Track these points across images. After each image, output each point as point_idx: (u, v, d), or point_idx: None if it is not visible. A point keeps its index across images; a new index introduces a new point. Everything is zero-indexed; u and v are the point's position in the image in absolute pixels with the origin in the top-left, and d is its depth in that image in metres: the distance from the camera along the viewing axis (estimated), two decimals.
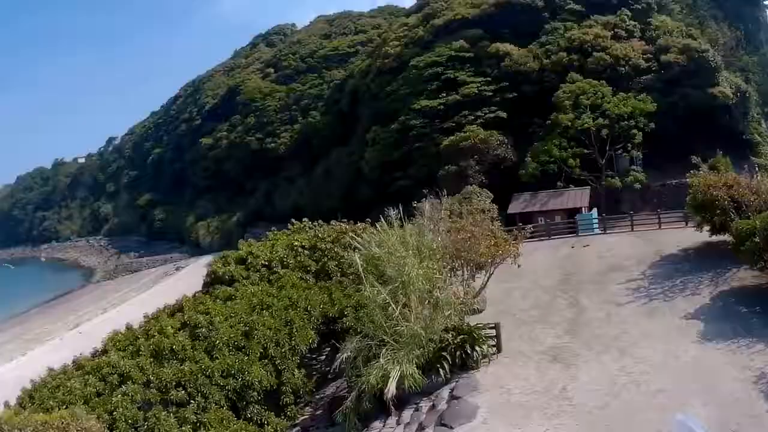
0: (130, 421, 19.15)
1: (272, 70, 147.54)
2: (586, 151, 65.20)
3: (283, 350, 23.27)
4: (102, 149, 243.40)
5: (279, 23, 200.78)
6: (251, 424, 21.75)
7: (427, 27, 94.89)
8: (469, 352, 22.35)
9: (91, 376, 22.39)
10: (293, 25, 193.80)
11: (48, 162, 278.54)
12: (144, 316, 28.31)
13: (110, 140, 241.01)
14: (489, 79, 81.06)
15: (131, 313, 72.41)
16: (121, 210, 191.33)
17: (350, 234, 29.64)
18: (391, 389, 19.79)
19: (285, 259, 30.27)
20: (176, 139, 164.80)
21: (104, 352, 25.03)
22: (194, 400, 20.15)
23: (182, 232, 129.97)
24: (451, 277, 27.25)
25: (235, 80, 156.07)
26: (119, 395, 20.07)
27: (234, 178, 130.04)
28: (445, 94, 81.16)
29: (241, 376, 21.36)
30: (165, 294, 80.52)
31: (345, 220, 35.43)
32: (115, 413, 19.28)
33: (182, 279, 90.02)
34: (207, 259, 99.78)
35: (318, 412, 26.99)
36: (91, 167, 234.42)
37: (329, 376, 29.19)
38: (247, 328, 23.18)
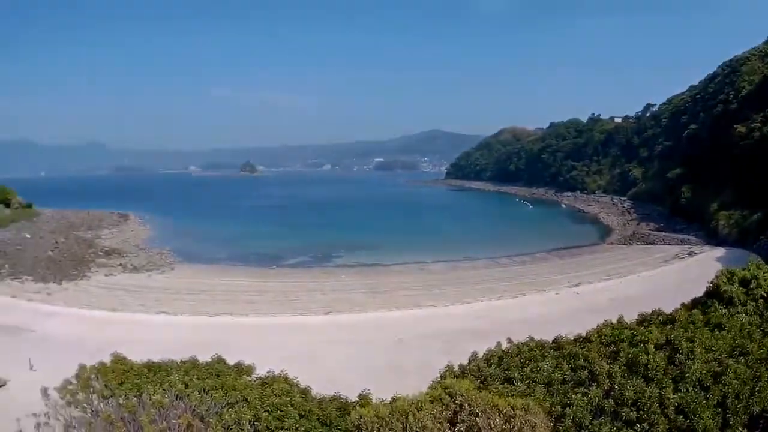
0: (577, 421, 19.54)
1: None
2: None
3: (738, 405, 21.82)
4: (639, 114, 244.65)
5: None
6: None
7: None
8: None
9: (564, 362, 23.05)
10: None
11: (582, 116, 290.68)
12: (637, 316, 28.15)
13: (648, 107, 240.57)
14: None
15: (631, 289, 71.87)
16: (649, 177, 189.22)
17: None
18: None
19: None
20: (711, 119, 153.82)
21: (587, 340, 25.69)
22: (639, 425, 19.82)
23: (703, 216, 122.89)
24: None
25: None
26: (580, 393, 20.61)
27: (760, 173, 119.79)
28: None
29: (692, 416, 20.52)
30: (664, 279, 77.09)
31: None
32: (567, 409, 19.87)
33: (689, 267, 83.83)
34: (720, 252, 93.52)
35: None
36: (626, 129, 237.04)
37: None
38: (720, 369, 21.85)
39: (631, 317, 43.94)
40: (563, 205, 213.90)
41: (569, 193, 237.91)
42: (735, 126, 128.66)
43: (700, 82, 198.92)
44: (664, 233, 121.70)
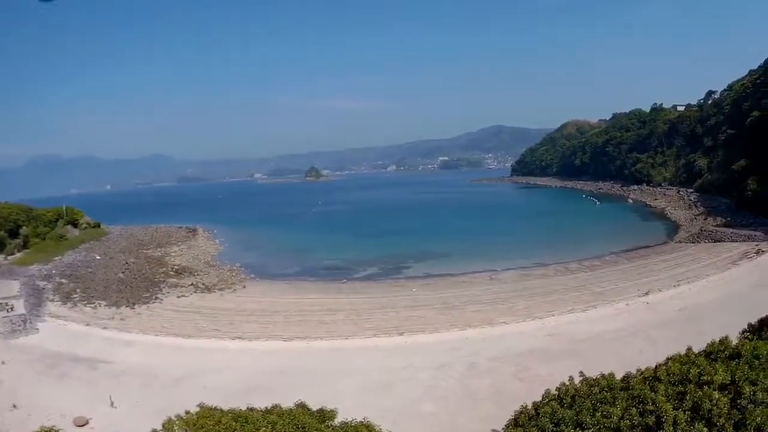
0: None
1: None
2: None
3: None
4: (701, 101, 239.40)
5: None
6: None
7: None
8: None
9: (633, 406, 23.12)
10: None
11: (644, 104, 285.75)
12: (706, 346, 27.98)
13: (709, 93, 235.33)
14: None
15: (700, 296, 69.10)
16: (714, 168, 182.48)
17: None
18: None
19: None
20: None
21: (656, 378, 25.90)
22: None
23: None
24: None
25: None
26: None
27: None
28: None
29: None
30: (733, 284, 74.52)
31: None
32: None
33: (757, 269, 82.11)
34: None
35: None
36: (689, 117, 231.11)
37: None
38: None
39: (700, 333, 44.14)
40: (630, 200, 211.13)
41: (635, 187, 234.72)
42: None
43: (759, 67, 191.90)
44: (731, 229, 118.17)
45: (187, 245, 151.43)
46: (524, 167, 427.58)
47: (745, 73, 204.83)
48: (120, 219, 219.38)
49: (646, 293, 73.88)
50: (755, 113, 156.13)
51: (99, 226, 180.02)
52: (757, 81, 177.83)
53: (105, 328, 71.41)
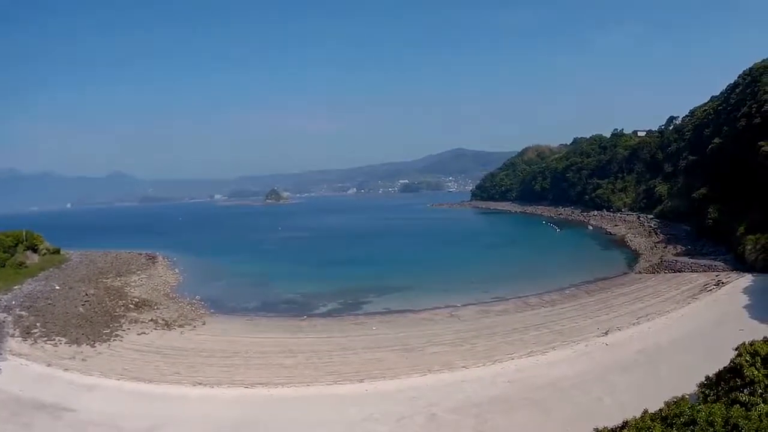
0: None
1: None
2: None
3: None
4: (662, 127, 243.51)
5: None
6: None
7: None
8: None
9: None
10: None
11: (604, 130, 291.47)
12: (664, 405, 28.08)
13: (671, 119, 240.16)
14: None
15: (660, 336, 69.39)
16: (675, 194, 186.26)
17: None
18: None
19: None
20: (735, 133, 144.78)
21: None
22: None
23: (730, 238, 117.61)
24: None
25: None
26: None
27: None
28: None
29: None
30: (693, 322, 74.82)
31: None
32: None
33: (717, 304, 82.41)
34: (747, 281, 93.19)
35: None
36: (650, 143, 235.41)
37: None
38: None
39: (659, 380, 44.36)
40: (590, 227, 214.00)
41: (595, 212, 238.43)
42: (760, 144, 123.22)
43: (721, 93, 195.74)
44: (691, 259, 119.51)
45: (147, 274, 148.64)
46: (484, 192, 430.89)
47: (707, 99, 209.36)
48: (80, 242, 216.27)
49: (606, 333, 74.02)
50: (716, 140, 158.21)
51: (59, 252, 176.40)
52: (719, 108, 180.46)
53: (67, 369, 69.08)
